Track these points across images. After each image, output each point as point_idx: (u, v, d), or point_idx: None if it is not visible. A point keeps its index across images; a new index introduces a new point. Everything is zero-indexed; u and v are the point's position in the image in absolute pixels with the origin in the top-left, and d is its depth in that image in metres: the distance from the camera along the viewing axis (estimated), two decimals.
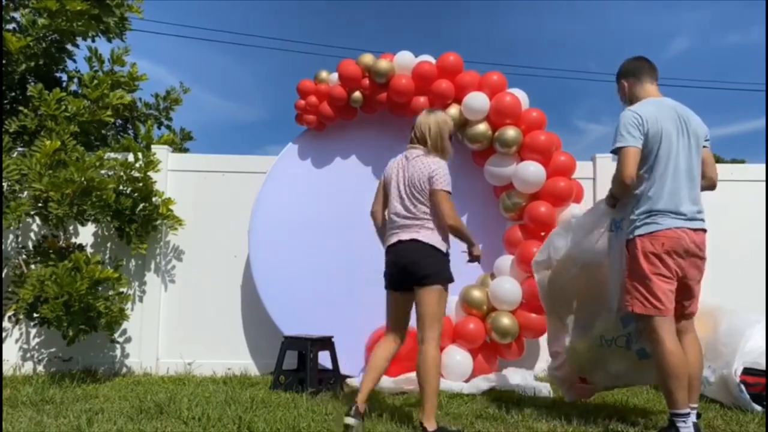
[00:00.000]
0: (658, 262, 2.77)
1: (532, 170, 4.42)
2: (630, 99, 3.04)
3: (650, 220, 2.81)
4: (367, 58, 4.71)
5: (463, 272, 4.69)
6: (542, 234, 4.42)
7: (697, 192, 2.89)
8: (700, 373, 2.93)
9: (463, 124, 4.66)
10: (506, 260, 4.48)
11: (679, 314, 2.88)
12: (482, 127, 4.58)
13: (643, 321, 2.84)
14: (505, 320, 4.29)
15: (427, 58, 4.73)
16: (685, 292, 2.88)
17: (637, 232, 2.83)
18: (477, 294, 4.42)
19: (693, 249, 2.81)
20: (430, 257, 2.98)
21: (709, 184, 3.03)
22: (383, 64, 4.65)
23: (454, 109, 4.64)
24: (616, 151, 2.87)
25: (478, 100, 4.54)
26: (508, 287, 4.33)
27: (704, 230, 2.87)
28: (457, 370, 4.27)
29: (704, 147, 2.97)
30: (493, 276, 4.55)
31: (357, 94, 4.75)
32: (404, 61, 4.71)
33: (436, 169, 3.03)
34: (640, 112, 2.87)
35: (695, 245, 2.81)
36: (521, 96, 4.66)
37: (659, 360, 2.75)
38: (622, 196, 2.94)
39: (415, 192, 3.04)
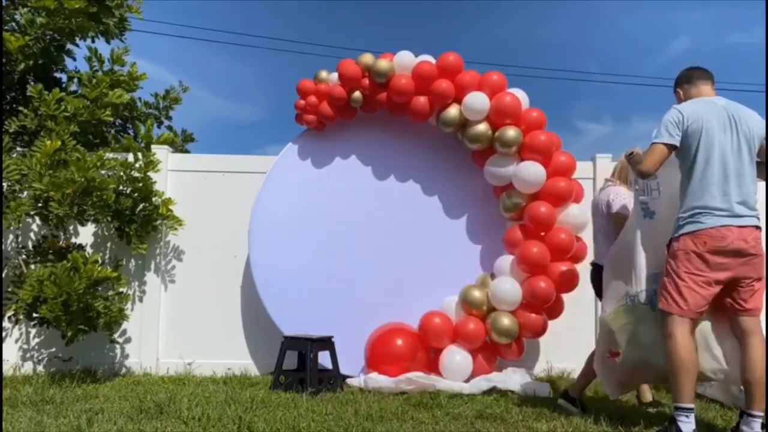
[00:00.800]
0: (699, 261, 2.77)
1: (532, 170, 4.41)
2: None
3: (694, 219, 2.81)
4: (367, 58, 4.71)
5: (463, 272, 4.74)
6: (542, 234, 4.43)
7: (748, 189, 2.83)
8: (762, 377, 2.75)
9: (463, 124, 4.66)
10: (506, 260, 4.48)
11: (738, 312, 2.84)
12: (482, 127, 4.58)
13: (663, 315, 2.86)
14: (505, 320, 4.29)
15: (427, 58, 4.73)
16: (739, 291, 2.82)
17: (681, 231, 2.84)
18: (477, 294, 4.42)
19: (741, 247, 2.76)
20: None
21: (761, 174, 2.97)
22: (383, 64, 4.65)
23: (454, 109, 4.64)
24: (652, 145, 2.93)
25: (478, 100, 4.53)
26: (508, 287, 4.33)
27: (756, 227, 2.81)
28: (457, 370, 4.27)
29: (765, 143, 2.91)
30: (493, 276, 4.55)
31: (357, 94, 4.75)
32: (404, 61, 4.70)
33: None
34: (683, 109, 2.91)
35: (744, 242, 2.76)
36: (521, 96, 4.66)
37: (669, 352, 2.77)
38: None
39: None
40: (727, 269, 2.77)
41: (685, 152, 2.89)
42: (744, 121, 2.88)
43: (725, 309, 2.90)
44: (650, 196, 3.15)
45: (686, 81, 3.09)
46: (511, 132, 4.49)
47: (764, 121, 2.95)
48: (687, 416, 2.69)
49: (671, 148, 2.89)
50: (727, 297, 2.86)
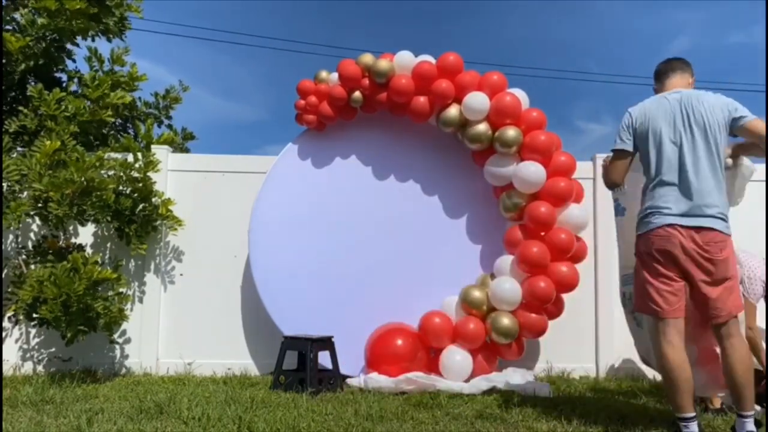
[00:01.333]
0: (651, 261, 2.75)
1: (532, 170, 4.41)
2: None
3: (645, 219, 2.80)
4: (367, 58, 4.71)
5: (464, 272, 4.74)
6: (542, 234, 4.43)
7: (706, 188, 2.69)
8: (746, 380, 2.67)
9: (463, 124, 4.66)
10: (506, 260, 4.48)
11: (707, 317, 2.76)
12: (482, 127, 4.58)
13: (648, 321, 2.84)
14: (505, 320, 4.29)
15: (427, 58, 4.73)
16: (699, 295, 2.73)
17: (636, 232, 2.86)
18: (477, 294, 4.42)
19: (690, 247, 2.67)
20: None
21: (759, 150, 2.84)
22: (383, 64, 4.65)
23: (454, 109, 4.64)
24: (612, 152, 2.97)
25: (478, 100, 4.53)
26: (508, 287, 4.33)
27: (713, 229, 2.68)
28: (457, 370, 4.27)
29: (743, 123, 2.74)
30: (493, 276, 4.55)
31: (357, 94, 4.75)
32: (404, 61, 4.70)
33: None
34: (633, 110, 2.91)
35: (694, 243, 2.67)
36: (521, 96, 4.66)
37: (656, 362, 2.76)
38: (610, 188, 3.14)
39: None
40: (682, 269, 2.69)
41: (640, 154, 2.89)
42: (697, 111, 2.76)
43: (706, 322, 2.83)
44: (620, 191, 3.21)
45: (656, 79, 3.04)
46: (511, 132, 4.49)
47: (726, 104, 2.79)
48: (687, 425, 2.63)
49: (626, 153, 2.90)
50: (697, 305, 2.78)
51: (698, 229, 2.68)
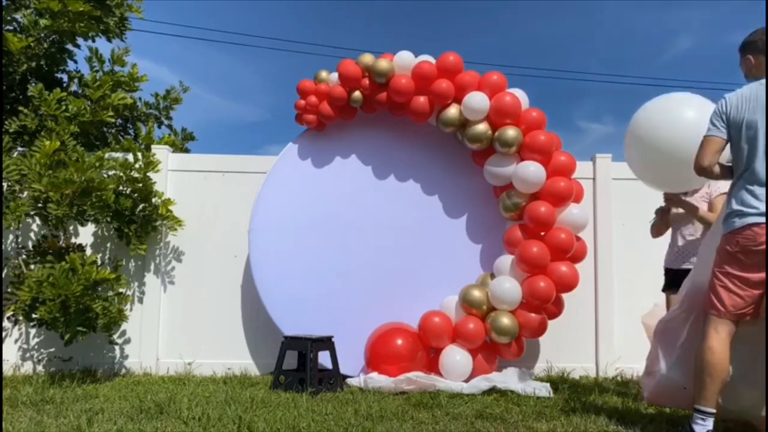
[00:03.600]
0: (732, 262, 2.62)
1: (532, 170, 4.41)
2: (752, 77, 2.81)
3: (730, 219, 2.66)
4: (367, 58, 4.71)
5: (464, 272, 4.74)
6: (542, 234, 4.43)
7: None
8: None
9: (462, 124, 4.66)
10: (506, 260, 4.48)
11: None
12: (482, 127, 4.58)
13: (702, 315, 2.75)
14: (505, 320, 4.29)
15: (426, 58, 4.73)
16: None
17: (722, 231, 2.72)
18: (477, 294, 4.42)
19: None
20: None
21: None
22: (383, 64, 4.65)
23: (454, 109, 4.64)
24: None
25: (477, 100, 4.53)
26: (507, 287, 4.33)
27: None
28: (456, 369, 4.27)
29: None
30: (493, 276, 4.55)
31: (357, 93, 4.75)
32: (404, 61, 4.70)
33: None
34: (729, 98, 2.72)
35: None
36: (521, 96, 4.66)
37: (698, 353, 2.64)
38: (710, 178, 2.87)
39: None
40: (761, 268, 2.56)
41: (731, 146, 2.71)
42: None
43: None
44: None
45: (760, 50, 2.76)
46: (510, 132, 4.49)
47: None
48: (704, 419, 2.56)
49: (718, 140, 2.70)
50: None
51: None
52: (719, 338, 2.61)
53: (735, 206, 2.65)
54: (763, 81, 2.68)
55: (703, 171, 2.75)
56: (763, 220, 2.55)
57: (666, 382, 2.99)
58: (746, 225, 2.58)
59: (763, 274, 2.58)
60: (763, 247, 2.55)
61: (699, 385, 2.61)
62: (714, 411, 2.58)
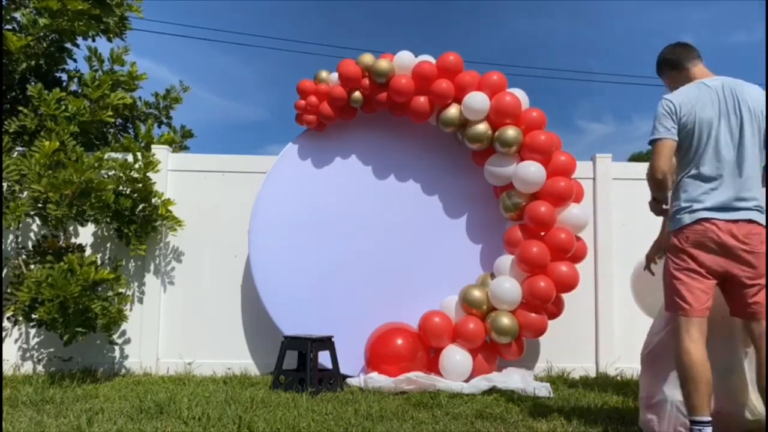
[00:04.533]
0: (685, 257, 2.61)
1: (532, 170, 4.41)
2: (674, 88, 2.83)
3: (678, 215, 2.66)
4: (367, 58, 4.71)
5: (464, 272, 4.74)
6: (542, 234, 4.43)
7: (747, 180, 2.60)
8: None
9: (462, 124, 4.66)
10: (506, 260, 4.48)
11: (745, 315, 2.64)
12: (482, 127, 4.58)
13: (672, 320, 2.73)
14: (505, 320, 4.29)
15: (427, 58, 4.73)
16: (739, 290, 2.61)
17: (669, 229, 2.72)
18: (477, 294, 4.42)
19: (729, 242, 2.55)
20: None
21: None
22: (383, 64, 4.65)
23: (454, 109, 4.64)
24: (651, 145, 2.71)
25: (478, 100, 4.53)
26: (507, 287, 4.33)
27: (751, 221, 2.57)
28: (456, 369, 4.27)
29: None
30: (493, 276, 4.55)
31: (357, 93, 4.75)
32: (404, 61, 4.70)
33: None
34: (675, 99, 2.70)
35: (732, 237, 2.55)
36: (521, 96, 4.66)
37: (677, 361, 2.61)
38: (657, 192, 2.76)
39: None
40: (719, 265, 2.58)
41: (680, 145, 2.69)
42: (743, 99, 2.64)
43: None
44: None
45: (673, 66, 2.85)
46: (510, 132, 4.49)
47: (764, 95, 2.69)
48: (701, 430, 2.49)
49: (670, 143, 2.66)
50: (735, 303, 2.66)
51: (736, 221, 2.57)
52: (692, 339, 2.57)
53: (684, 203, 2.66)
54: (705, 80, 2.71)
55: (662, 179, 2.68)
56: (712, 215, 2.58)
57: (674, 407, 2.82)
58: (696, 220, 2.60)
59: (716, 264, 2.58)
60: (716, 240, 2.56)
61: (686, 396, 2.58)
62: (709, 419, 2.52)
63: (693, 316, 2.60)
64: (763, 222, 2.62)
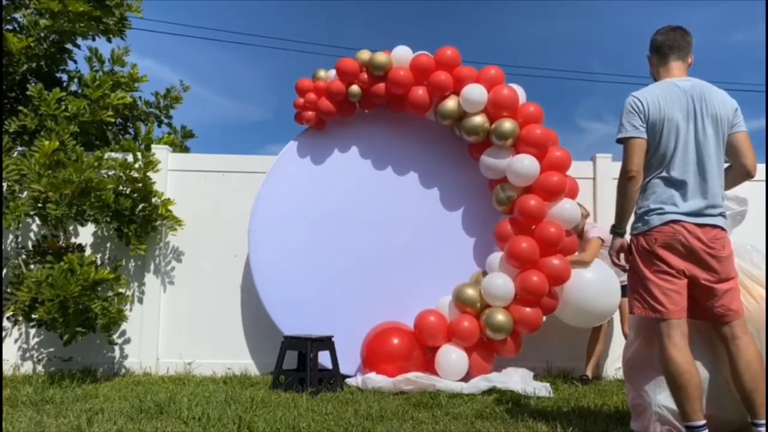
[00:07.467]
0: (654, 259, 2.58)
1: (525, 163, 4.40)
2: (654, 78, 2.80)
3: (647, 217, 2.62)
4: (365, 54, 4.71)
5: (464, 271, 4.73)
6: (532, 228, 4.40)
7: (712, 185, 2.59)
8: (759, 384, 2.49)
9: (460, 117, 4.65)
10: (498, 257, 4.45)
11: (713, 319, 2.61)
12: (479, 119, 4.57)
13: (641, 328, 2.70)
14: (499, 316, 4.26)
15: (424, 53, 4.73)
16: (704, 294, 2.59)
17: (634, 231, 2.69)
18: (470, 292, 4.40)
19: (696, 245, 2.54)
20: None
21: (742, 173, 2.71)
22: (381, 57, 4.64)
23: (452, 101, 4.63)
24: (621, 143, 2.67)
25: (476, 92, 4.52)
26: (500, 283, 4.30)
27: (716, 226, 2.57)
28: (452, 368, 4.26)
29: (737, 131, 2.65)
30: (485, 273, 4.53)
31: (355, 87, 4.73)
32: (402, 55, 4.70)
33: None
34: (642, 97, 2.65)
35: (699, 241, 2.54)
36: (519, 90, 4.66)
37: (662, 368, 2.58)
38: (626, 192, 2.65)
39: None
40: (686, 267, 2.56)
41: (648, 145, 2.64)
42: (711, 104, 2.61)
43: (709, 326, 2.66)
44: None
45: (657, 51, 2.77)
46: (507, 124, 4.48)
47: (732, 102, 2.66)
48: None
49: (640, 141, 2.62)
50: (701, 307, 2.62)
51: (702, 226, 2.57)
52: (674, 345, 2.53)
53: (653, 204, 2.63)
54: (675, 80, 2.67)
55: (634, 177, 2.62)
56: (682, 218, 2.57)
57: (662, 413, 2.75)
58: (666, 222, 2.58)
59: (682, 266, 2.56)
60: (684, 242, 2.55)
61: (678, 403, 2.54)
62: (704, 422, 2.48)
63: (671, 318, 2.56)
64: (726, 227, 2.63)
